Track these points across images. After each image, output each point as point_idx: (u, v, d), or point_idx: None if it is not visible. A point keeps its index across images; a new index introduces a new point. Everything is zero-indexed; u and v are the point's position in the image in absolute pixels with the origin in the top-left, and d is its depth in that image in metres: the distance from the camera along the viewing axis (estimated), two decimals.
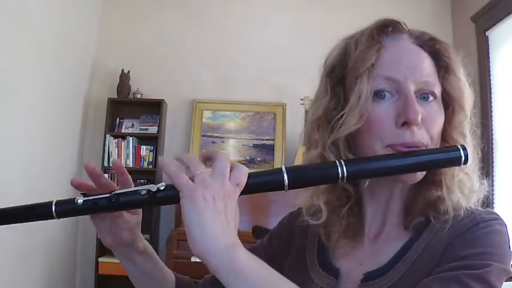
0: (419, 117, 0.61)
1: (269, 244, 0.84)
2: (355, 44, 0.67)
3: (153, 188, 0.57)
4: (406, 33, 0.67)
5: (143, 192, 0.57)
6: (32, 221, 0.60)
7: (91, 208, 0.60)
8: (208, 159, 0.57)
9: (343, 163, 0.60)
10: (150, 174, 3.50)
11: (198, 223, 0.51)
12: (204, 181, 0.54)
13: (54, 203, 0.59)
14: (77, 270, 3.49)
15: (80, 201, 0.59)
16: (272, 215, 3.06)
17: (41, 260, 2.87)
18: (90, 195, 0.60)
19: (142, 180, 3.49)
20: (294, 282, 0.73)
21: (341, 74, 0.68)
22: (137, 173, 3.53)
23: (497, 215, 0.64)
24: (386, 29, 0.67)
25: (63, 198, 0.60)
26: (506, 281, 0.60)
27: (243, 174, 0.57)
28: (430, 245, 0.63)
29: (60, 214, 0.59)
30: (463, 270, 0.55)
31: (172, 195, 0.55)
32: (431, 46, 0.67)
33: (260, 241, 0.86)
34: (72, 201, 0.59)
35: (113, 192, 0.59)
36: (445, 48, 0.67)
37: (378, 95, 0.63)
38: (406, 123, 0.62)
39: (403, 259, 0.64)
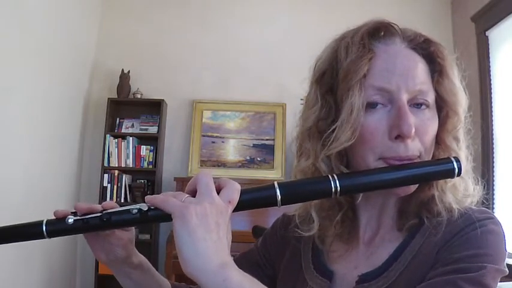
0: (413, 131, 0.60)
1: (263, 246, 0.83)
2: (345, 50, 0.64)
3: (144, 207, 0.57)
4: (399, 36, 0.65)
5: (134, 211, 0.57)
6: (22, 241, 0.60)
7: (82, 227, 0.59)
8: (193, 190, 0.56)
9: (336, 178, 0.59)
10: (150, 174, 3.50)
11: (191, 242, 0.50)
12: (194, 200, 0.53)
13: (44, 222, 0.58)
14: (77, 270, 3.49)
15: (71, 220, 0.58)
16: (272, 215, 3.06)
17: (42, 259, 2.87)
18: (81, 215, 0.59)
19: (143, 181, 3.50)
20: (289, 284, 0.73)
21: (331, 81, 0.66)
22: (137, 173, 3.54)
23: (490, 213, 0.63)
24: (378, 33, 0.65)
25: (53, 218, 0.59)
26: (505, 281, 0.60)
27: (235, 191, 0.56)
28: (424, 246, 0.62)
29: (51, 234, 0.59)
30: (459, 273, 0.55)
31: (163, 214, 0.55)
32: (425, 49, 0.65)
33: (255, 244, 0.86)
34: (62, 220, 0.58)
35: (104, 212, 0.59)
36: (440, 51, 0.65)
37: (370, 105, 0.62)
38: (399, 137, 0.60)
39: (397, 261, 0.63)
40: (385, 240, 0.67)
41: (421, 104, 0.63)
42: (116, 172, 3.39)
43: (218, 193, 0.55)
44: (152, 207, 0.56)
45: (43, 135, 2.81)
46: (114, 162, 3.42)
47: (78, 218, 0.59)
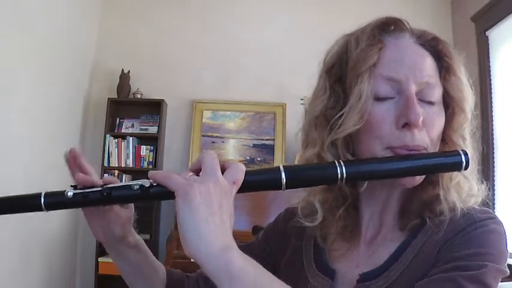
0: (421, 120, 0.60)
1: (265, 240, 0.83)
2: (355, 41, 0.65)
3: (146, 183, 0.55)
4: (408, 32, 0.66)
5: (136, 187, 0.56)
6: (19, 213, 0.59)
7: (81, 201, 0.58)
8: (197, 169, 0.55)
9: (342, 164, 0.58)
10: None
11: (193, 224, 0.50)
12: (198, 179, 0.53)
13: (43, 194, 0.57)
14: (77, 270, 3.49)
15: (70, 193, 0.57)
16: (272, 214, 3.05)
17: (41, 260, 2.86)
18: (81, 188, 0.58)
19: None
20: (290, 281, 0.73)
21: (340, 72, 0.66)
22: (137, 173, 3.53)
23: (492, 213, 0.63)
24: (388, 27, 0.66)
25: (52, 190, 0.58)
26: (505, 280, 0.60)
27: (240, 171, 0.55)
28: (425, 245, 0.62)
29: (49, 206, 0.57)
30: (459, 271, 0.55)
31: (165, 191, 0.53)
32: (433, 46, 0.66)
33: (256, 237, 0.85)
34: (61, 193, 0.57)
35: (105, 186, 0.57)
36: (447, 49, 0.66)
37: (379, 98, 0.62)
38: (407, 125, 0.61)
39: (398, 260, 0.63)
40: (387, 239, 0.67)
41: (429, 97, 0.63)
42: (116, 172, 3.39)
43: (222, 173, 0.55)
44: (155, 184, 0.55)
45: (43, 135, 2.81)
46: (114, 162, 3.43)
47: (78, 191, 0.57)
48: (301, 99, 3.37)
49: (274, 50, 3.72)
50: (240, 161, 3.57)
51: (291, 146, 3.54)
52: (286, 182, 0.57)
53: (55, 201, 0.57)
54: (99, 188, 0.57)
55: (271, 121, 3.65)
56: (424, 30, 0.67)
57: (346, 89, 0.65)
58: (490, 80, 3.06)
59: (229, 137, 3.64)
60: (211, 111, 3.67)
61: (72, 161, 0.64)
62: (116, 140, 3.47)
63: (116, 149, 3.45)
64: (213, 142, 3.62)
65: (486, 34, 3.14)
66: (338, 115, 0.64)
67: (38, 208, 0.57)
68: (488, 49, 3.11)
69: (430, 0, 3.81)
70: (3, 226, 2.30)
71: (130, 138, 3.48)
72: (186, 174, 0.54)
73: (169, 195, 0.53)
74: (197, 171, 0.55)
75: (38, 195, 0.57)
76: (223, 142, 3.63)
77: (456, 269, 0.55)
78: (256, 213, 3.04)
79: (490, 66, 3.08)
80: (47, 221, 2.84)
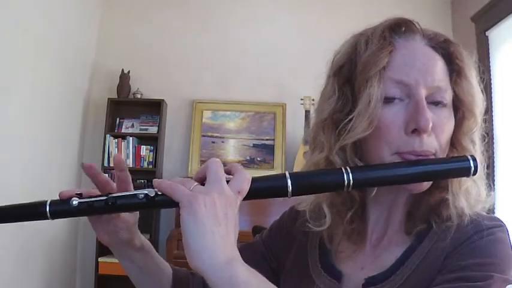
0: (430, 125, 0.59)
1: (269, 237, 0.83)
2: (365, 43, 0.64)
3: (151, 192, 0.55)
4: (419, 33, 0.65)
5: (141, 196, 0.56)
6: (25, 221, 0.59)
7: (86, 210, 0.58)
8: (202, 178, 0.55)
9: (349, 171, 0.58)
10: (150, 174, 3.50)
11: (198, 234, 0.49)
12: (203, 189, 0.52)
13: (48, 203, 0.57)
14: (77, 270, 3.49)
15: (75, 203, 0.57)
16: (272, 214, 3.06)
17: (41, 260, 2.87)
18: (86, 197, 0.58)
19: (142, 181, 3.50)
20: (295, 281, 0.73)
21: (349, 74, 0.65)
22: (137, 173, 3.53)
23: (500, 221, 0.63)
24: (399, 29, 0.65)
25: (57, 199, 0.58)
26: None
27: (245, 181, 0.55)
28: (432, 250, 0.62)
29: (55, 215, 0.57)
30: (465, 282, 0.55)
31: (170, 200, 0.54)
32: (444, 48, 0.65)
33: (260, 235, 0.85)
34: (67, 202, 0.57)
35: (110, 195, 0.57)
36: (459, 52, 0.65)
37: (388, 99, 0.61)
38: (416, 131, 0.60)
39: (405, 265, 0.63)
40: (393, 243, 0.67)
41: (438, 102, 0.62)
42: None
43: (227, 179, 0.54)
44: (159, 193, 0.55)
45: (43, 135, 2.81)
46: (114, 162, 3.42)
47: (83, 200, 0.57)
48: (301, 99, 3.37)
49: (274, 50, 3.73)
50: (240, 161, 3.58)
51: (291, 146, 3.54)
52: (292, 190, 0.56)
53: (60, 209, 0.58)
54: (104, 197, 0.57)
55: (271, 121, 3.65)
56: (435, 31, 0.67)
57: (355, 91, 0.64)
58: (490, 80, 3.06)
59: (229, 137, 3.64)
60: (211, 111, 3.67)
61: (90, 171, 0.64)
62: (116, 140, 3.47)
63: (116, 149, 3.45)
64: (213, 142, 3.62)
65: (486, 34, 3.13)
66: (347, 119, 0.63)
67: (43, 216, 0.57)
68: (488, 49, 3.11)
69: (430, 0, 3.81)
70: (3, 226, 2.30)
71: (130, 138, 3.48)
72: (191, 184, 0.53)
73: (174, 204, 0.53)
74: (202, 180, 0.55)
75: (44, 204, 0.57)
76: (223, 142, 3.63)
77: (462, 280, 0.55)
78: (256, 213, 3.04)
79: (490, 66, 3.08)
80: (47, 221, 2.83)
